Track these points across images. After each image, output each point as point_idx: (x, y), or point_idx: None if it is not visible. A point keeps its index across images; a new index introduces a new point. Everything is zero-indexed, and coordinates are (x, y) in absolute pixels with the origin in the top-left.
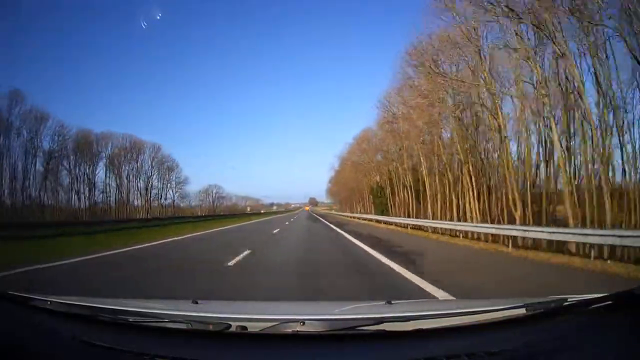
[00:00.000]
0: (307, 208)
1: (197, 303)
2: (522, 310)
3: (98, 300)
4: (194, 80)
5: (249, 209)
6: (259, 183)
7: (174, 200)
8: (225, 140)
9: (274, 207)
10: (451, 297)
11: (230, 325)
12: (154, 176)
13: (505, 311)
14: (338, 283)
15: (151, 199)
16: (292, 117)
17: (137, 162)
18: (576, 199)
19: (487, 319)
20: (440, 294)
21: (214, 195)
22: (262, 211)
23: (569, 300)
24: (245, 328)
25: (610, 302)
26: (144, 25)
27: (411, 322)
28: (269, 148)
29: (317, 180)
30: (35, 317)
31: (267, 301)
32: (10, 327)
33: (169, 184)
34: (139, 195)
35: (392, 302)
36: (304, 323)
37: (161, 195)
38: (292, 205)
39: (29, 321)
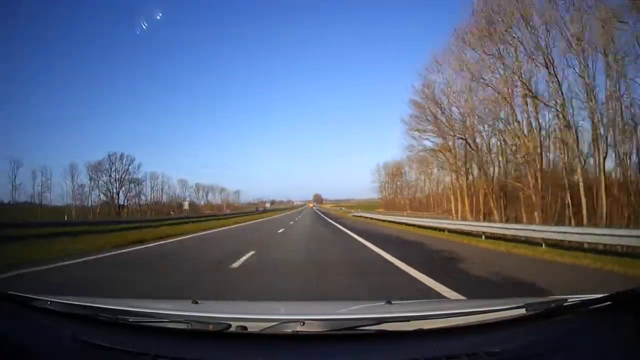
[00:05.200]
0: (311, 205)
1: (197, 303)
2: (522, 311)
3: (98, 300)
4: (191, 81)
5: (185, 204)
6: (262, 182)
7: None
8: (225, 139)
9: (267, 205)
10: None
11: (230, 325)
12: None
13: (505, 311)
14: None
15: None
16: (295, 115)
17: None
18: None
19: (487, 319)
20: None
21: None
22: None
23: (569, 300)
24: (245, 328)
25: (610, 302)
26: (144, 25)
27: (411, 322)
28: (273, 148)
29: (322, 180)
30: (35, 317)
31: (267, 301)
32: (10, 327)
33: None
34: None
35: (392, 302)
36: (304, 323)
37: None
38: (294, 203)
39: (29, 321)
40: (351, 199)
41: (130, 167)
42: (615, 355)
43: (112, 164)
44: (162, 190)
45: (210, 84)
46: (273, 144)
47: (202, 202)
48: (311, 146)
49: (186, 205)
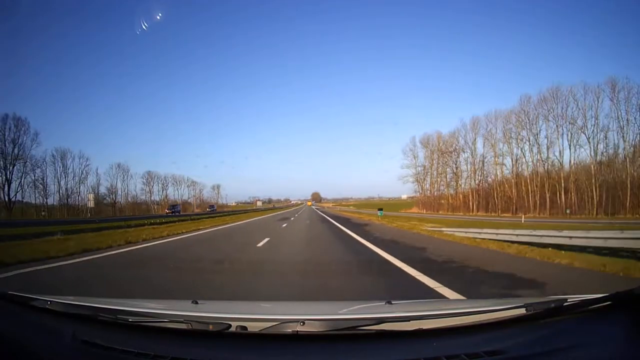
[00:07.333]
0: (309, 203)
1: (197, 303)
2: (522, 310)
3: (98, 300)
4: (191, 80)
5: (90, 201)
6: (261, 182)
7: None
8: (222, 138)
9: (259, 203)
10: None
11: (230, 325)
12: None
13: (505, 311)
14: None
15: None
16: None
17: None
18: None
19: (487, 319)
20: None
21: None
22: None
23: (569, 300)
24: (245, 328)
25: (610, 302)
26: (145, 25)
27: (411, 322)
28: (270, 147)
29: (320, 179)
30: (35, 317)
31: (267, 301)
32: (10, 327)
33: None
34: None
35: (392, 302)
36: (304, 323)
37: None
38: (292, 201)
39: (29, 321)
40: (350, 198)
41: (25, 137)
42: (615, 355)
43: (2, 132)
44: (80, 180)
45: (190, 68)
46: (271, 143)
47: (158, 199)
48: (309, 145)
49: (91, 202)
